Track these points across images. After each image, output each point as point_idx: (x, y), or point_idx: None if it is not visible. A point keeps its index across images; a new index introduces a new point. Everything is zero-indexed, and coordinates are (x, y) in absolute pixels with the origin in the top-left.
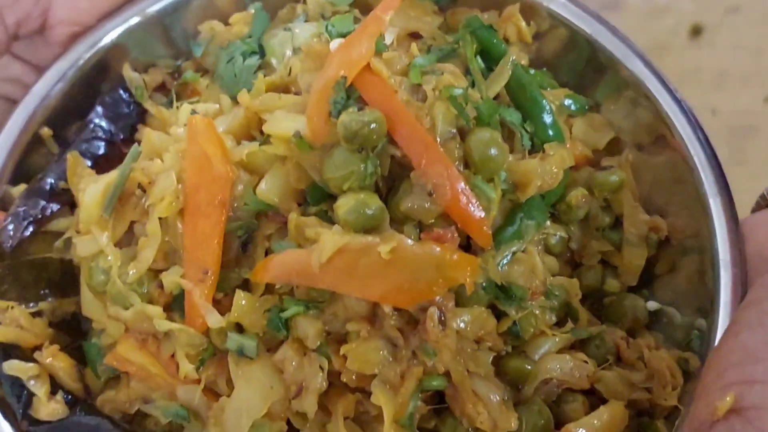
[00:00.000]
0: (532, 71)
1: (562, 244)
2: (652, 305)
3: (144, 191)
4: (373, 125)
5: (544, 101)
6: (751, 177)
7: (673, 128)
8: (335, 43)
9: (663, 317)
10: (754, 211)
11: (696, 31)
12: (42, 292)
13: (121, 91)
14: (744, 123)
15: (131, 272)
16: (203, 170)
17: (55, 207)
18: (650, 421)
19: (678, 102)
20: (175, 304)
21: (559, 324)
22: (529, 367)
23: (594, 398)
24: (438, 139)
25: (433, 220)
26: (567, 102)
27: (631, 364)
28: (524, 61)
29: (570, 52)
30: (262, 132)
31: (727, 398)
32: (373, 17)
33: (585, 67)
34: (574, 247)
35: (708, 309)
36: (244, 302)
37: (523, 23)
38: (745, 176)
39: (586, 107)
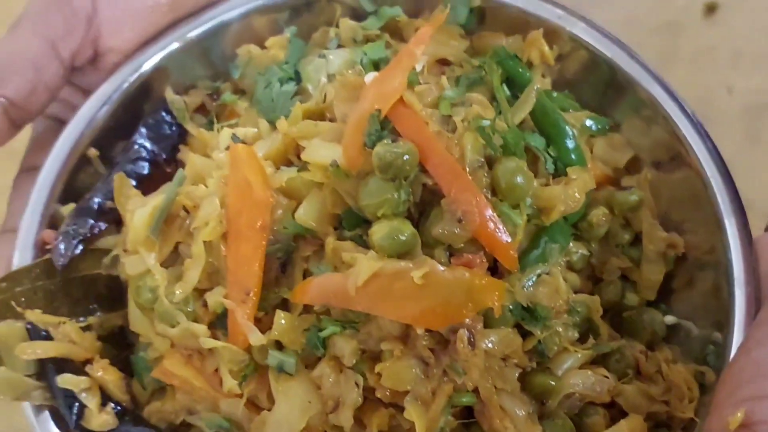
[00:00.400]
0: (555, 94)
1: (583, 261)
2: (670, 319)
3: (188, 212)
4: (406, 156)
5: (567, 127)
6: (766, 155)
7: (689, 148)
8: (370, 77)
9: (680, 331)
10: (767, 229)
11: (710, 9)
12: (91, 306)
13: (164, 113)
14: (760, 101)
15: (177, 292)
16: (245, 196)
17: (102, 225)
18: None
19: (694, 123)
20: (219, 322)
21: (582, 339)
22: (553, 383)
23: (614, 411)
24: (467, 168)
25: (462, 245)
26: (588, 123)
27: (649, 378)
28: (547, 82)
29: (591, 73)
30: (299, 156)
31: (738, 414)
32: (406, 51)
33: (605, 88)
34: (594, 263)
35: (723, 323)
36: (283, 321)
37: (546, 47)
38: (761, 154)
39: (607, 127)
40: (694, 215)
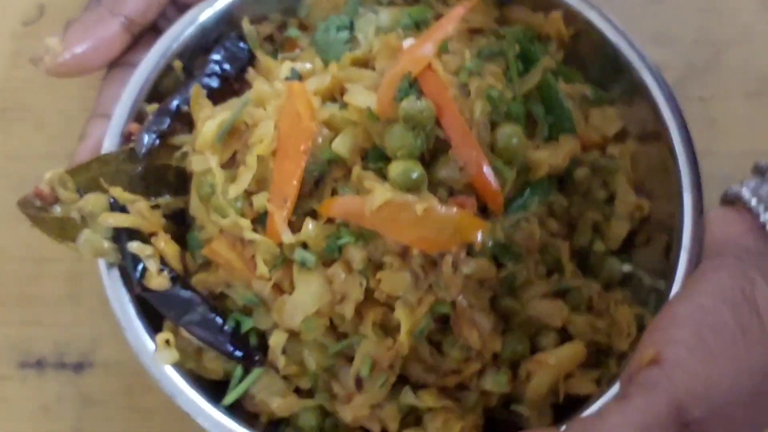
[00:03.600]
0: (564, 67)
1: (563, 210)
2: (627, 267)
3: (247, 128)
4: (425, 113)
5: (564, 102)
6: None
7: (667, 128)
8: (407, 42)
9: (634, 278)
10: (722, 202)
11: None
12: (160, 190)
13: (239, 39)
14: None
15: (231, 191)
16: (294, 124)
17: (178, 125)
18: (605, 358)
19: (673, 108)
20: (260, 220)
21: (549, 273)
22: (517, 307)
23: (564, 335)
24: (473, 128)
25: (460, 188)
26: (589, 94)
27: (598, 313)
28: (559, 56)
29: (597, 54)
30: (341, 95)
31: (650, 351)
32: (439, 25)
33: (607, 67)
34: (572, 213)
35: (668, 278)
36: (311, 227)
37: (563, 27)
38: None
39: (603, 100)
40: (661, 185)
